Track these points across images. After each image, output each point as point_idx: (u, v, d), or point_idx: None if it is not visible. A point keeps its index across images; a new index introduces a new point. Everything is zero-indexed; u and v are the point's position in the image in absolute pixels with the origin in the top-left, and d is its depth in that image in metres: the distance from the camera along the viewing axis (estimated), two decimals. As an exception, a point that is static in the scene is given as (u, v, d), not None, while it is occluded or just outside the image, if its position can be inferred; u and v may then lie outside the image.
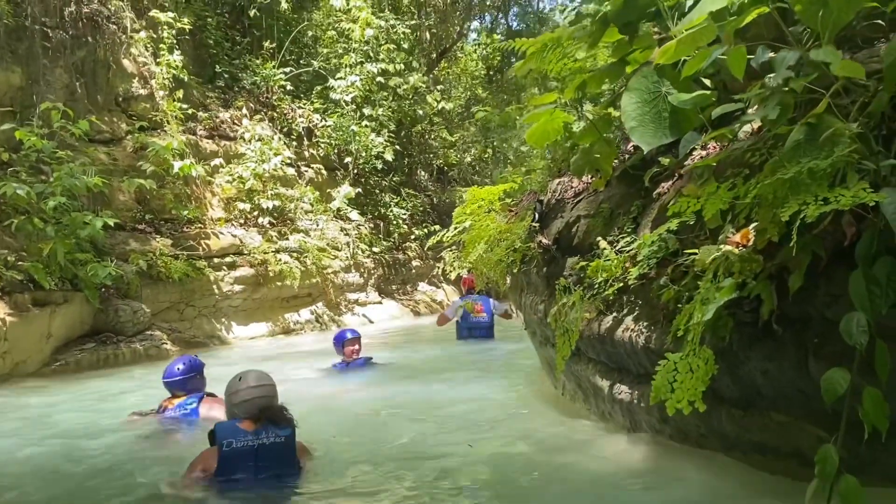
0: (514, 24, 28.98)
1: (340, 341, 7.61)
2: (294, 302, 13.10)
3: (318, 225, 13.71)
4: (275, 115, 14.80)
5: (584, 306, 3.49)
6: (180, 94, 12.03)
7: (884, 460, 2.19)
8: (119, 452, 4.60)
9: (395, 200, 17.36)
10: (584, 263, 3.41)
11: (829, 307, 2.28)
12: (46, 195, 8.72)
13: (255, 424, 3.51)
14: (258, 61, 15.04)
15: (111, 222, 9.18)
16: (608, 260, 3.26)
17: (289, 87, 15.13)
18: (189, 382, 5.16)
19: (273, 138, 13.54)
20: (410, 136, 19.89)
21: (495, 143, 22.91)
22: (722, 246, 2.73)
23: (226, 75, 14.54)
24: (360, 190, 15.03)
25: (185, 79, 12.56)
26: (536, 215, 4.28)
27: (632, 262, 3.25)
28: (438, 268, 6.25)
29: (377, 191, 17.05)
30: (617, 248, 3.32)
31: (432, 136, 21.56)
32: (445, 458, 4.05)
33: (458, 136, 22.99)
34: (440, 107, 18.52)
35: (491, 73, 26.36)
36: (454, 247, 5.74)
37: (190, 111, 12.30)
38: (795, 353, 2.41)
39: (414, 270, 17.24)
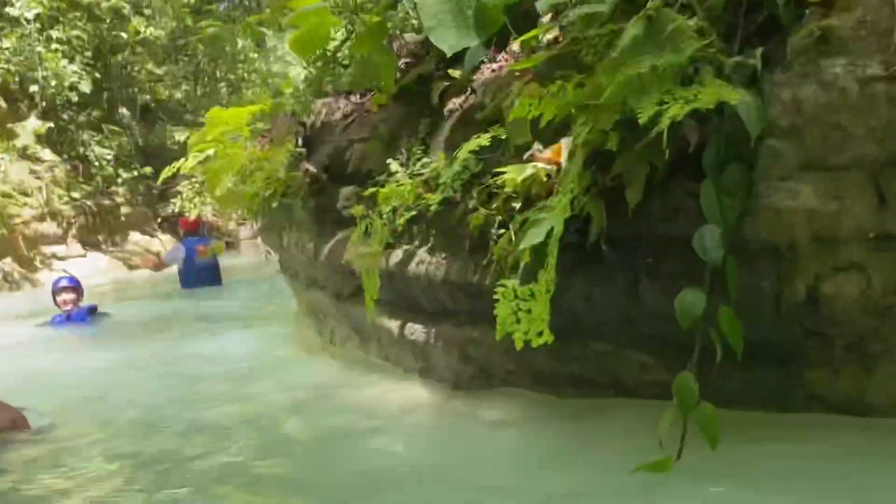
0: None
1: (53, 291, 6.90)
2: (-27, 258, 10.97)
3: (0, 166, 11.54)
4: (-68, 31, 12.08)
5: (373, 240, 3.08)
6: None
7: (732, 385, 2.10)
8: None
9: (97, 139, 15.26)
10: (374, 190, 2.97)
11: (665, 223, 2.11)
12: None
13: None
14: None
15: None
16: (401, 185, 2.86)
17: (-52, -2, 12.40)
18: None
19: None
20: (109, 67, 17.55)
21: (222, 68, 21.25)
22: (536, 164, 2.48)
23: None
24: (51, 125, 12.91)
25: None
26: (300, 140, 3.74)
27: (426, 188, 2.88)
28: (174, 204, 5.34)
29: (72, 127, 14.84)
30: (409, 172, 2.93)
31: (136, 69, 19.30)
32: (200, 421, 3.44)
33: (165, 69, 20.89)
34: (147, 33, 16.50)
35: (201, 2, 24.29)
36: (192, 180, 4.90)
37: None
38: (624, 277, 2.23)
39: (123, 218, 15.39)
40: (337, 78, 3.91)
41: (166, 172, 4.55)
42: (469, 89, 2.98)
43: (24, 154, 12.49)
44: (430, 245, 2.88)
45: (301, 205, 3.75)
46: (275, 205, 3.92)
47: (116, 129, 16.27)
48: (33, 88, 13.12)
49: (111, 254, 13.86)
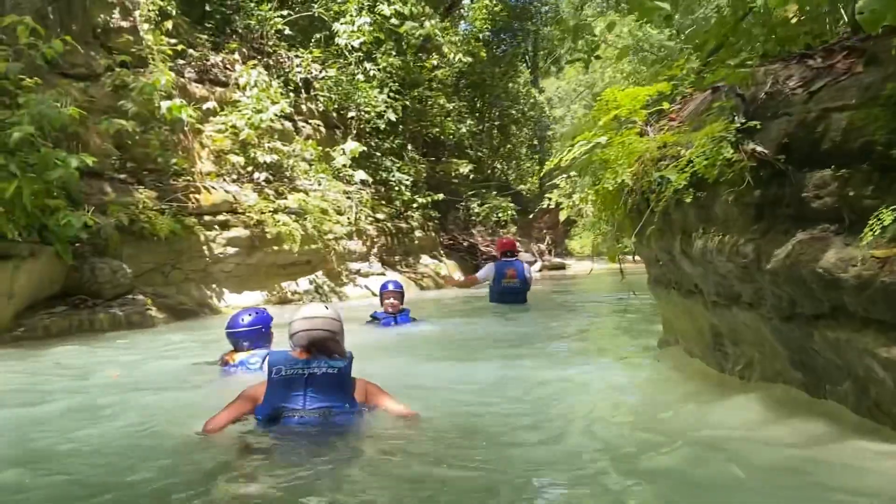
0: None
1: (381, 291, 7.64)
2: (291, 269, 11.66)
3: (319, 184, 12.23)
4: (270, 62, 13.28)
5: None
6: (168, 24, 10.46)
7: None
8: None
9: (398, 165, 15.91)
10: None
11: None
12: (9, 125, 7.17)
13: (307, 354, 3.30)
14: (252, 3, 13.47)
15: (90, 161, 7.65)
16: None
17: (286, 32, 13.59)
18: (254, 335, 4.68)
19: (271, 85, 12.01)
20: (404, 100, 18.45)
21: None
22: None
23: (217, 16, 12.97)
24: (364, 149, 13.56)
25: (173, 12, 11.00)
26: (736, 117, 2.95)
27: None
28: (548, 199, 4.88)
29: (378, 153, 15.60)
30: None
31: (429, 103, 20.08)
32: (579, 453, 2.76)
33: (453, 105, 21.52)
34: (456, 59, 16.99)
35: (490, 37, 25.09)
36: (571, 175, 4.32)
37: (179, 47, 10.72)
38: None
39: (417, 242, 15.86)
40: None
41: (548, 165, 4.01)
42: None
43: (337, 176, 13.21)
44: None
45: (734, 197, 2.94)
46: (688, 199, 3.15)
47: (416, 156, 16.89)
48: (351, 114, 13.92)
49: (405, 274, 14.20)
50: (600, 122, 3.59)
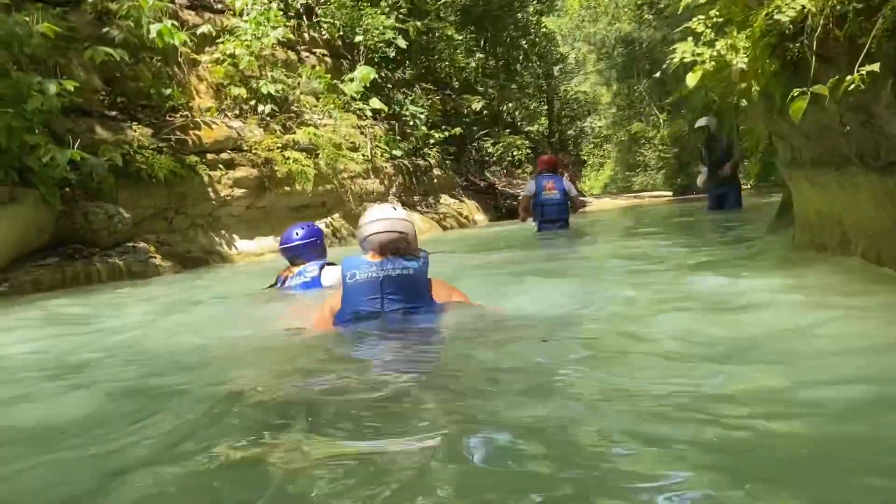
0: None
1: None
2: (305, 212, 10.64)
3: (330, 117, 11.13)
4: (267, -13, 12.04)
5: None
6: (152, -59, 9.24)
7: None
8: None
9: (411, 98, 14.74)
10: None
11: None
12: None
13: (380, 256, 3.10)
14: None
15: (70, 86, 6.58)
16: None
17: (284, -47, 12.31)
18: (309, 248, 4.65)
19: (270, 7, 10.81)
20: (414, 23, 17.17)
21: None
22: None
23: (206, -64, 11.69)
24: (375, 75, 12.39)
25: (156, -69, 9.76)
26: None
27: None
28: (681, 53, 3.78)
29: (389, 86, 14.41)
30: None
31: (436, 35, 18.75)
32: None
33: (461, 37, 20.18)
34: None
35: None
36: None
37: (166, -33, 9.51)
38: None
39: (436, 180, 14.78)
40: None
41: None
42: None
43: (348, 108, 12.09)
44: None
45: None
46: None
47: (431, 87, 15.72)
48: (358, 38, 12.73)
49: (427, 214, 13.19)
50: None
